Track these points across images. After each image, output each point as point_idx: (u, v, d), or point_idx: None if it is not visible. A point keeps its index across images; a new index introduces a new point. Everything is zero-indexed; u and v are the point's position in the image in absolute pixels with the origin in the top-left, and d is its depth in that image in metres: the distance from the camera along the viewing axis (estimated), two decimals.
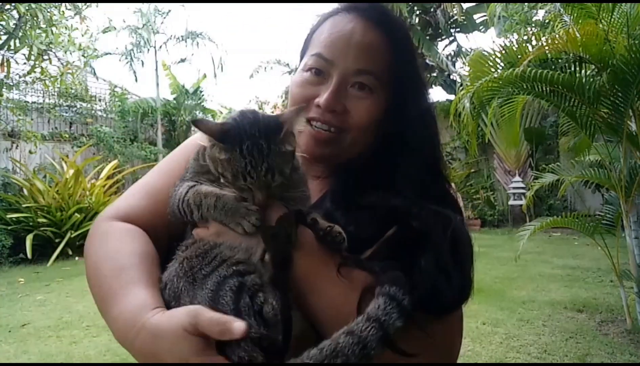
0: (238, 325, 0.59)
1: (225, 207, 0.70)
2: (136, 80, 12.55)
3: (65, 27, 7.28)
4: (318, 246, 0.71)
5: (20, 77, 7.85)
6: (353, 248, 0.74)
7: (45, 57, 7.20)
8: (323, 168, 0.92)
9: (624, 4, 3.44)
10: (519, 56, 3.65)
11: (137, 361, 0.67)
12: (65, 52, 7.57)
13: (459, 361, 0.79)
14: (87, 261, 0.82)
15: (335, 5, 0.91)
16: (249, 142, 0.68)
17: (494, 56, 3.89)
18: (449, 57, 11.53)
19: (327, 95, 0.82)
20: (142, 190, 0.90)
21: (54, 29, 6.89)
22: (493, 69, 3.83)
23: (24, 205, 7.54)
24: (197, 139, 1.01)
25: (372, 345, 0.58)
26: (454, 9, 10.70)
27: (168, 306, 0.68)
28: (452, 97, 9.79)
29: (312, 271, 0.70)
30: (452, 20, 11.29)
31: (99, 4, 7.85)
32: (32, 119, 9.14)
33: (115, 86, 12.07)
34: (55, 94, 10.44)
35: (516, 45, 3.82)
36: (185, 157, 0.89)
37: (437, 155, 0.89)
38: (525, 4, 8.04)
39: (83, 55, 8.06)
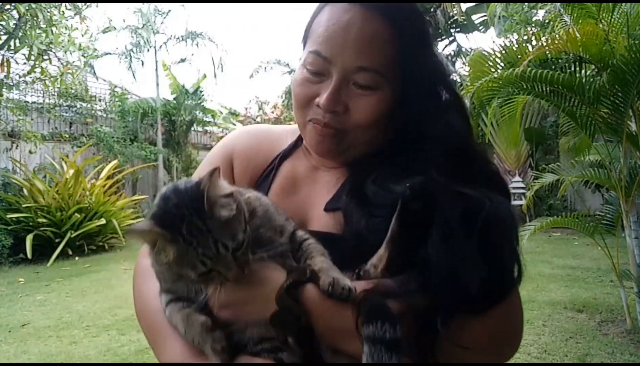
0: None
1: (194, 339, 0.68)
2: (135, 79, 12.57)
3: (65, 27, 7.27)
4: (326, 299, 0.66)
5: (20, 77, 7.83)
6: (370, 241, 0.71)
7: (45, 57, 7.19)
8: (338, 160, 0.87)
9: (624, 4, 3.44)
10: (519, 56, 3.65)
11: None
12: (65, 52, 7.56)
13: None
14: (135, 297, 0.87)
15: None
16: (184, 226, 0.61)
17: (494, 56, 3.89)
18: (449, 57, 11.52)
19: (326, 95, 0.77)
20: None
21: (54, 29, 6.88)
22: (493, 69, 3.83)
23: (24, 205, 7.53)
24: (222, 144, 1.01)
25: None
26: (454, 9, 10.69)
27: None
28: None
29: (331, 327, 0.66)
30: (452, 20, 11.29)
31: (99, 4, 7.86)
32: (32, 119, 9.13)
33: (115, 86, 12.07)
34: (55, 94, 10.44)
35: (516, 45, 3.82)
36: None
37: (465, 143, 0.81)
38: (525, 4, 8.03)
39: (83, 56, 8.05)
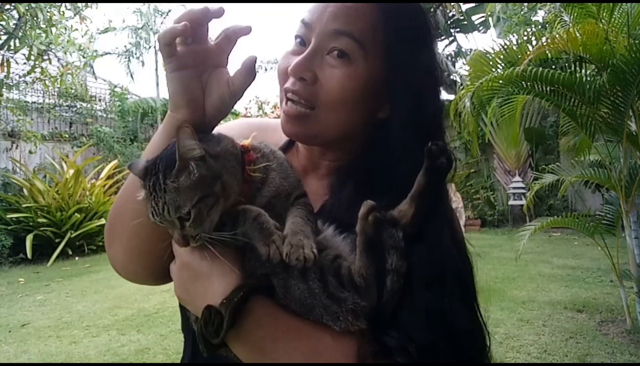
0: None
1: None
2: (132, 79, 12.54)
3: (65, 28, 7.28)
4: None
5: (20, 77, 7.84)
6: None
7: (45, 57, 7.19)
8: (328, 167, 0.82)
9: (624, 3, 3.44)
10: (519, 56, 3.65)
11: None
12: (65, 53, 7.57)
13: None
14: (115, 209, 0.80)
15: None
16: (154, 178, 0.63)
17: (494, 56, 3.89)
18: (449, 57, 11.52)
19: (296, 60, 0.72)
20: None
21: (53, 29, 6.88)
22: (493, 69, 3.83)
23: (24, 205, 7.54)
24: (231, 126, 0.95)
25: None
26: (454, 9, 10.69)
27: None
28: (452, 97, 9.78)
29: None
30: (452, 20, 11.29)
31: (99, 4, 7.86)
32: (32, 119, 9.13)
33: (115, 86, 12.08)
34: (55, 94, 10.44)
35: (516, 45, 3.82)
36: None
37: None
38: (525, 4, 8.03)
39: (83, 56, 8.06)
